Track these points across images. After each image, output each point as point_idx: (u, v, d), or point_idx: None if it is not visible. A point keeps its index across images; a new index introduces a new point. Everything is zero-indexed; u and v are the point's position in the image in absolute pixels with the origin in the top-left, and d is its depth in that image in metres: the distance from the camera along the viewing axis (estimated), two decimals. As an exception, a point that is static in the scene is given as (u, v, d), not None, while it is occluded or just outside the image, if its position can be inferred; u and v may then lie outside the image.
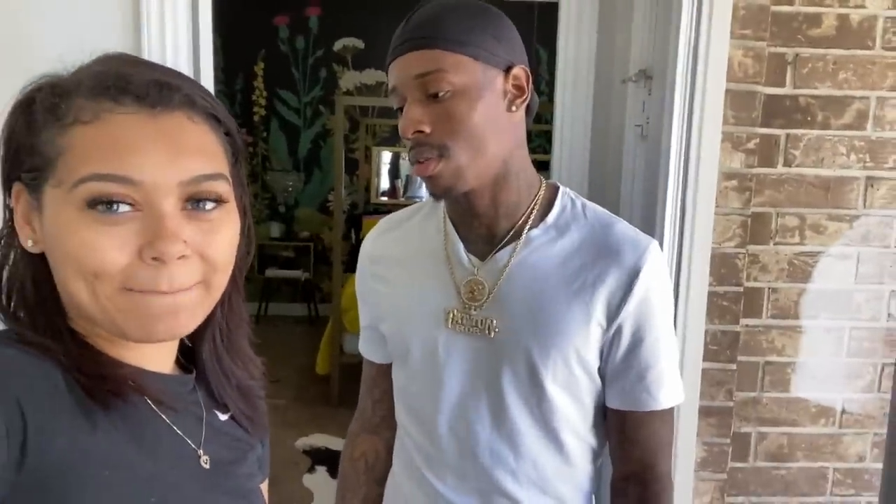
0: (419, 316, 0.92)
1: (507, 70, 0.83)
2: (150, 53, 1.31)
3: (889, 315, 1.56)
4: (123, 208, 0.50)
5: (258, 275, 5.69)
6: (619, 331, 0.86)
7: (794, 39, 1.46)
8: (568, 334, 0.85)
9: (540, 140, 5.52)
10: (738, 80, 1.42)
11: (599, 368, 0.89)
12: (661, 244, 1.42)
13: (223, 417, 0.65)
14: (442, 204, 0.94)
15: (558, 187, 0.93)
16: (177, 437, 0.57)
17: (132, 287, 0.50)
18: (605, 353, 0.88)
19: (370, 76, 5.80)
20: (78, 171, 0.50)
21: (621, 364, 0.88)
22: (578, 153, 1.48)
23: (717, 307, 1.50)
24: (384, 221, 1.03)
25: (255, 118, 5.81)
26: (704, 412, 1.53)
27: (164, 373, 0.59)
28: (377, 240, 1.01)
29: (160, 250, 0.49)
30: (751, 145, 1.45)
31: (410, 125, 0.81)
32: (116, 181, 0.49)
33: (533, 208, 0.89)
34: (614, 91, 1.42)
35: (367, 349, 1.05)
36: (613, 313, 0.85)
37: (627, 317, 0.85)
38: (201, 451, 0.59)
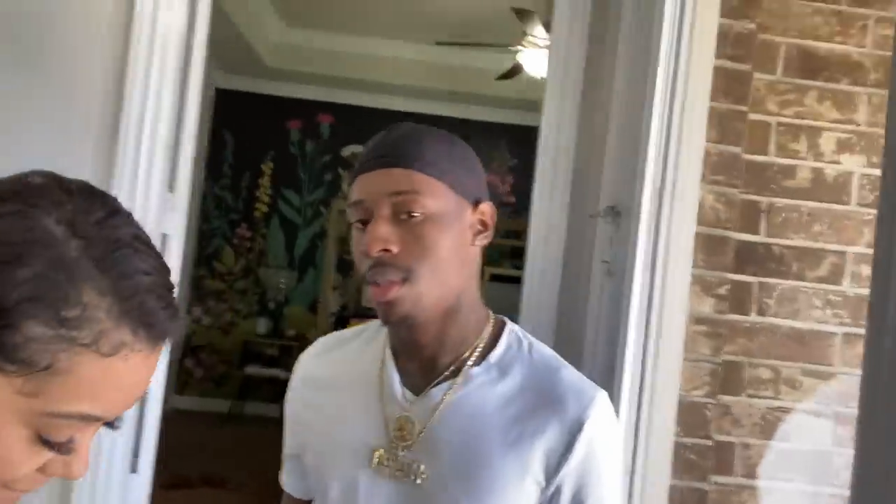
0: (343, 452, 0.83)
1: (476, 204, 0.81)
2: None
3: (871, 484, 1.45)
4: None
5: (237, 371, 5.55)
6: (558, 491, 0.78)
7: (767, 188, 1.45)
8: (503, 492, 0.77)
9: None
10: (709, 224, 1.39)
11: None
12: (620, 389, 1.35)
13: None
14: (385, 330, 0.88)
15: (504, 322, 0.88)
16: None
17: (14, 489, 0.46)
18: None
19: (374, 183, 5.92)
20: (61, 402, 0.43)
21: None
22: (549, 283, 1.44)
23: (684, 461, 1.39)
24: (323, 340, 0.96)
25: (257, 214, 5.89)
26: (667, 579, 1.39)
27: None
28: (312, 360, 0.94)
29: (72, 478, 0.47)
30: (722, 291, 1.41)
31: (377, 242, 0.76)
32: (92, 421, 0.45)
33: (478, 345, 0.83)
34: (586, 224, 1.40)
35: (289, 481, 0.96)
36: (552, 471, 0.78)
37: (567, 475, 0.78)
38: None
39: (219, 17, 4.23)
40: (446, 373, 0.82)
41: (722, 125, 1.39)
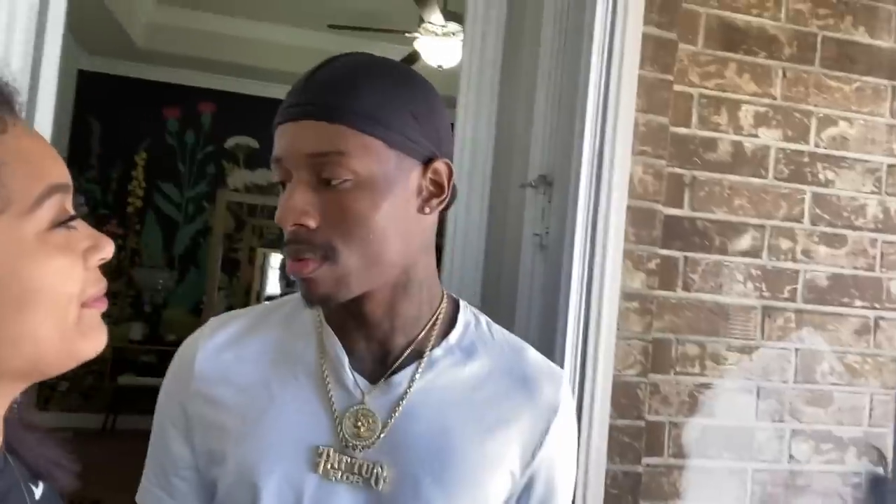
0: (277, 457, 0.66)
1: (427, 163, 0.66)
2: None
3: (790, 456, 1.46)
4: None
5: (109, 382, 5.04)
6: (532, 478, 0.69)
7: (690, 161, 1.42)
8: (480, 486, 0.66)
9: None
10: (638, 197, 1.34)
11: None
12: (561, 364, 1.27)
13: (38, 493, 0.56)
14: None
15: (458, 301, 0.75)
16: None
17: (86, 301, 0.50)
18: None
19: (262, 176, 5.61)
20: (30, 187, 0.46)
21: None
22: (471, 263, 1.33)
23: (619, 444, 1.33)
24: (220, 319, 0.76)
25: (130, 209, 5.39)
26: (604, 568, 1.32)
27: None
28: (212, 345, 0.73)
29: (109, 252, 0.51)
30: (652, 265, 1.36)
31: (291, 214, 0.62)
32: (61, 189, 0.48)
33: (434, 324, 0.70)
34: (511, 196, 1.31)
35: None
36: (529, 457, 0.68)
37: (543, 461, 0.69)
38: None
39: (82, -13, 3.80)
40: (404, 356, 0.68)
41: (649, 95, 1.34)
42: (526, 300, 1.28)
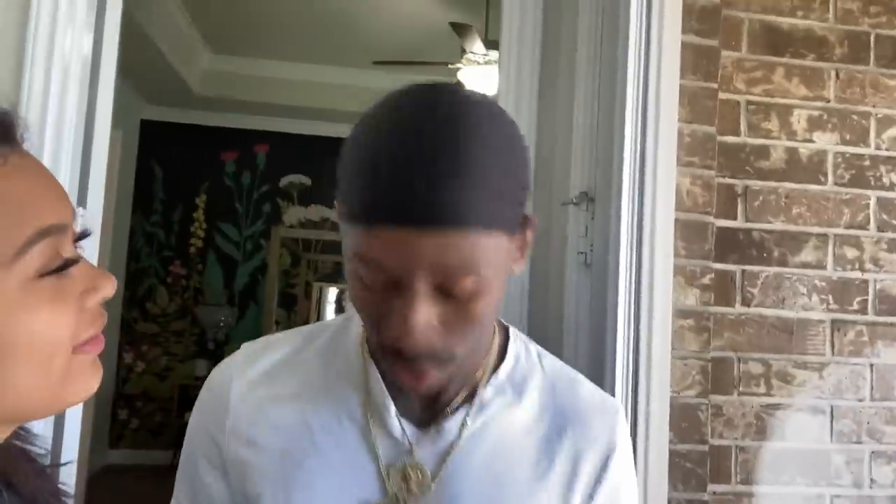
0: None
1: (522, 226, 0.57)
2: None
3: (871, 480, 1.35)
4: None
5: (176, 419, 5.18)
6: None
7: (742, 171, 1.37)
8: None
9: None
10: (687, 210, 1.29)
11: None
12: (613, 392, 1.22)
13: None
14: (355, 330, 0.67)
15: (507, 329, 0.69)
16: None
17: (78, 345, 0.46)
18: None
19: (315, 212, 5.74)
20: (12, 234, 0.42)
21: None
22: (516, 286, 1.30)
23: (681, 470, 1.26)
24: (252, 347, 0.70)
25: (192, 250, 5.58)
26: None
27: None
28: (246, 377, 0.67)
29: (109, 291, 0.48)
30: (706, 280, 1.30)
31: (420, 336, 0.52)
32: (53, 232, 0.44)
33: (488, 360, 0.65)
34: (554, 214, 1.28)
35: None
36: (587, 501, 0.64)
37: (600, 502, 0.64)
38: None
39: (142, 44, 4.02)
40: (458, 399, 0.63)
41: (693, 104, 1.30)
42: (573, 322, 1.24)
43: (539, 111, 1.39)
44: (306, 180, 5.76)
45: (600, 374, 1.24)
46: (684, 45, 1.29)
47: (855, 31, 1.39)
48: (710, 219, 1.32)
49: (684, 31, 1.29)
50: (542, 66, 1.50)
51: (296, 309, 5.73)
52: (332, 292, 5.84)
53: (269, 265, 5.61)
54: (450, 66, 3.80)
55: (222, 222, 5.66)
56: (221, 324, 5.52)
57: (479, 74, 3.79)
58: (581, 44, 1.30)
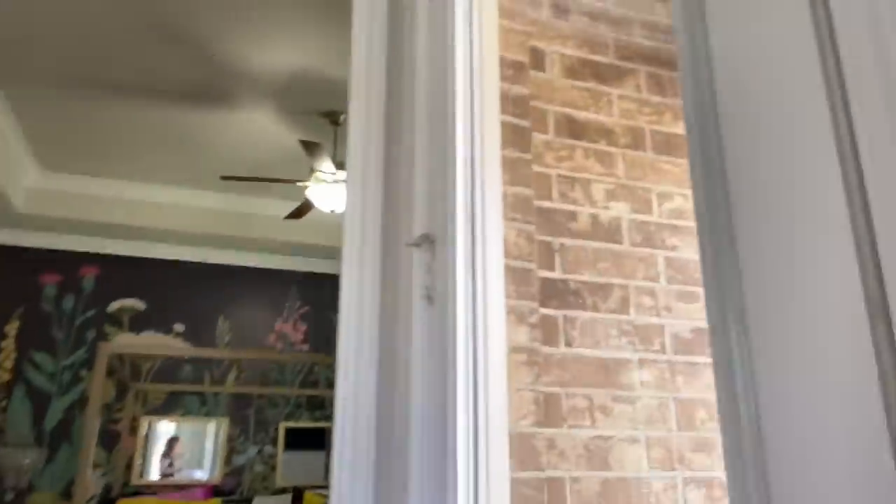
0: None
1: None
2: None
3: (686, 502, 1.50)
4: None
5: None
6: None
7: (556, 231, 1.59)
8: None
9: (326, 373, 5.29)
10: (514, 258, 1.47)
11: None
12: (455, 423, 1.28)
13: None
14: None
15: None
16: None
17: None
18: None
19: (148, 339, 5.38)
20: None
21: None
22: (367, 315, 1.37)
23: (522, 497, 1.33)
24: None
25: (-6, 384, 4.93)
26: None
27: None
28: None
29: None
30: (534, 320, 1.46)
31: None
32: None
33: None
34: (401, 253, 1.39)
35: None
36: None
37: None
38: None
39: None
40: None
41: (513, 171, 1.53)
42: (420, 355, 1.32)
43: (385, 164, 1.54)
44: (140, 304, 5.45)
45: (443, 405, 1.31)
46: (503, 124, 1.53)
47: (634, 126, 1.74)
48: (534, 266, 1.50)
49: (502, 111, 1.54)
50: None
51: (118, 448, 5.15)
52: (162, 426, 5.34)
53: (89, 398, 5.07)
54: (298, 183, 3.96)
55: (36, 351, 5.11)
56: (25, 468, 4.80)
57: (327, 192, 3.98)
58: (418, 110, 1.50)
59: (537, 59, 1.68)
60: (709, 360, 1.63)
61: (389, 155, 1.51)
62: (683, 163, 1.77)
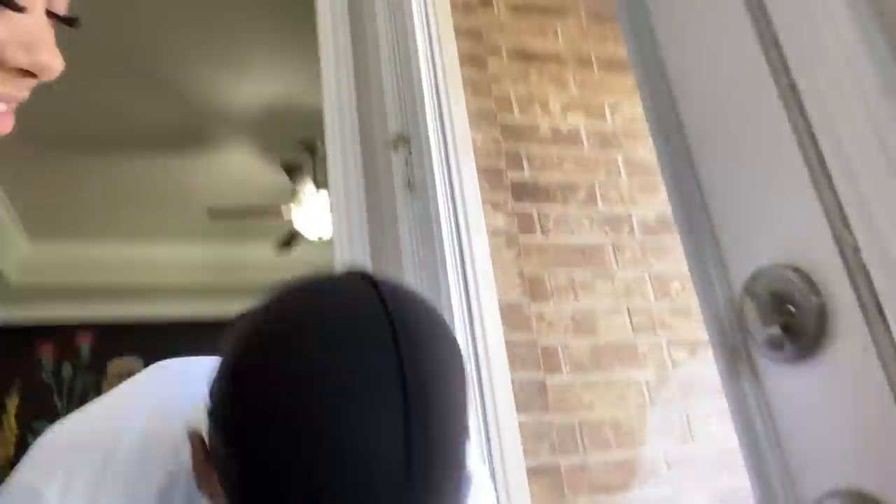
0: None
1: None
2: None
3: (673, 362, 1.62)
4: None
5: None
6: None
7: (522, 140, 1.76)
8: None
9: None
10: (484, 158, 1.63)
11: None
12: (449, 299, 1.41)
13: None
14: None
15: None
16: None
17: None
18: None
19: (149, 395, 5.38)
20: None
21: None
22: (355, 208, 1.51)
23: (518, 357, 1.44)
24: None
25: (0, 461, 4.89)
26: (532, 473, 1.34)
27: None
28: None
29: (47, 73, 0.43)
30: (509, 209, 1.61)
31: None
32: None
33: None
34: (379, 154, 1.54)
35: None
36: None
37: None
38: None
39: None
40: None
41: (474, 88, 1.71)
42: (409, 240, 1.45)
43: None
44: (138, 363, 5.48)
45: (436, 285, 1.44)
46: (461, 53, 1.72)
47: (580, 50, 1.94)
48: (503, 167, 1.66)
49: (458, 39, 1.73)
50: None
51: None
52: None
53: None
54: (283, 206, 4.12)
55: (37, 421, 5.09)
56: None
57: (312, 214, 4.13)
58: (384, 53, 1.69)
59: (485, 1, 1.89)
60: (676, 240, 1.77)
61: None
62: (629, 80, 1.96)
